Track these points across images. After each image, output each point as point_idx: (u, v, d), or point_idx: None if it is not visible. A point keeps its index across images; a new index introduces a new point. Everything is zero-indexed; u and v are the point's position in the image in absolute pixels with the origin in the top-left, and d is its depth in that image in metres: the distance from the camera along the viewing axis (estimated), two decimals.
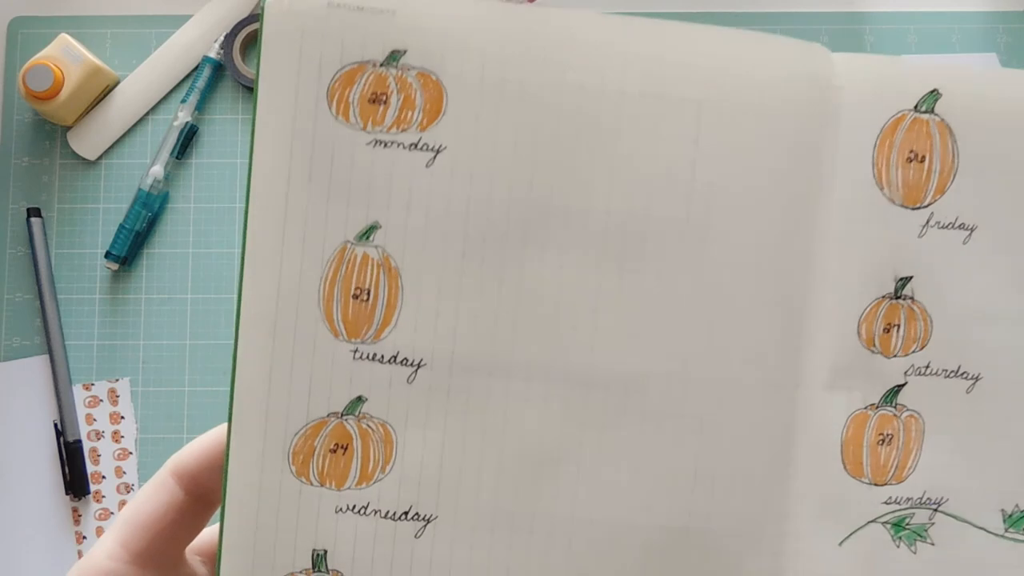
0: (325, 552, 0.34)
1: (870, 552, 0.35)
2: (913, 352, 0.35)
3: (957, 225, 0.35)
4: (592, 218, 0.34)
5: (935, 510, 0.36)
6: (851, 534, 0.35)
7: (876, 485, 0.35)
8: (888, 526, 0.35)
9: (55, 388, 0.69)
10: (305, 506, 0.34)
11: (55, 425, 0.69)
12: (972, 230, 0.35)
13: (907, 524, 0.35)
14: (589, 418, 0.34)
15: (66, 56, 0.68)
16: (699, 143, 0.34)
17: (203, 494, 0.36)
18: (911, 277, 0.35)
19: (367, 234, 0.34)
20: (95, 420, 0.71)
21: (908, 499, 0.36)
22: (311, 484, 0.34)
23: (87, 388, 0.71)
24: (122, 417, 0.71)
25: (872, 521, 0.35)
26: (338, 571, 0.34)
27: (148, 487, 0.37)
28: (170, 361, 0.71)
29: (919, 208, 0.35)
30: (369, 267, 0.34)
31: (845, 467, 0.35)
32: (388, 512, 0.34)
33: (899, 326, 0.35)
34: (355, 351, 0.34)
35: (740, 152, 0.34)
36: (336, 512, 0.34)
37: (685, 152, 0.34)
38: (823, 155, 0.34)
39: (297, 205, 0.33)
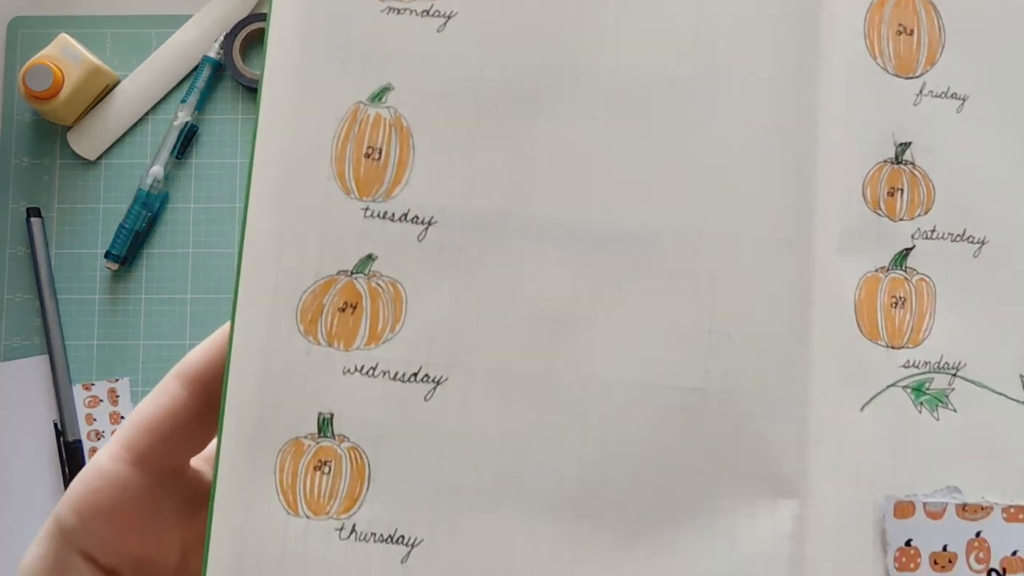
0: (331, 416, 0.33)
1: (893, 417, 0.34)
2: (918, 216, 0.36)
3: (949, 95, 0.36)
4: (602, 78, 0.35)
5: (954, 375, 0.35)
6: (872, 398, 0.34)
7: (893, 348, 0.35)
8: (909, 391, 0.35)
9: (55, 388, 0.68)
10: (312, 367, 0.33)
11: (55, 425, 0.68)
12: (964, 100, 0.36)
13: (927, 389, 0.35)
14: (603, 276, 0.34)
15: (66, 56, 0.69)
16: (702, 5, 0.35)
17: (209, 398, 0.35)
18: (910, 143, 0.36)
19: (379, 96, 0.34)
20: (95, 420, 0.70)
21: (926, 363, 0.35)
22: (319, 344, 0.33)
23: (87, 388, 0.70)
24: (122, 417, 0.70)
25: (892, 385, 0.35)
26: (344, 436, 0.33)
27: (154, 391, 0.35)
28: (170, 361, 0.69)
29: (912, 78, 0.36)
30: (381, 127, 0.34)
31: (861, 330, 0.35)
32: (397, 374, 0.33)
33: (902, 190, 0.36)
34: (366, 209, 0.34)
35: (742, 16, 0.35)
36: (344, 374, 0.33)
37: (689, 12, 0.35)
38: (820, 26, 0.36)
39: (312, 68, 0.34)
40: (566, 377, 0.33)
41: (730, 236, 0.34)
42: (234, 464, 0.32)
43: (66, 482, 0.68)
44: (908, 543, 0.34)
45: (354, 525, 0.32)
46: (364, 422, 0.33)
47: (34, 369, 0.70)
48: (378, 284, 0.33)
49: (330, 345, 0.33)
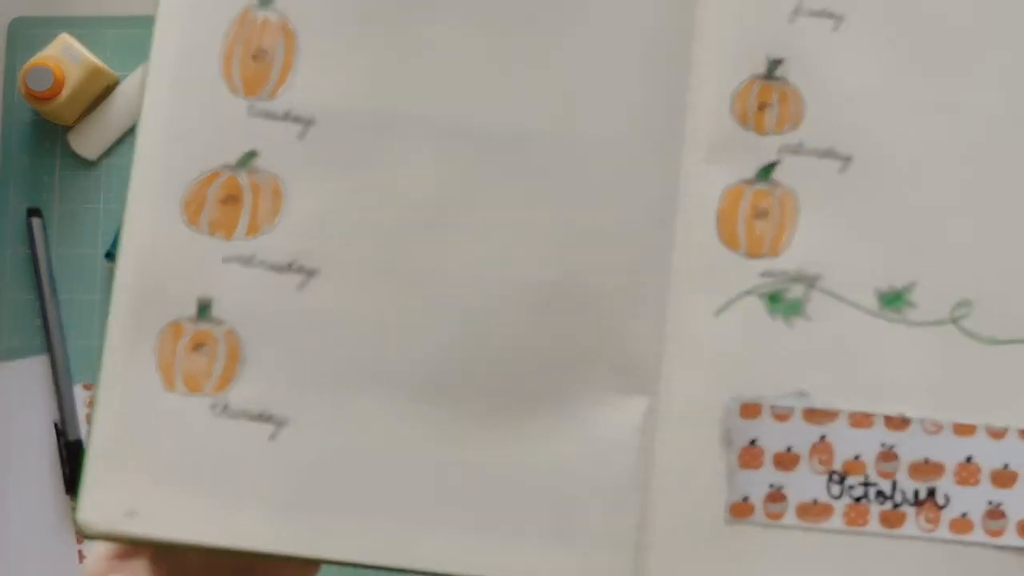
0: (210, 300, 0.35)
1: (746, 322, 0.36)
2: (787, 131, 0.37)
3: (826, 13, 0.37)
4: None
5: (811, 286, 0.36)
6: (727, 304, 0.36)
7: (751, 257, 0.36)
8: (764, 298, 0.36)
9: (55, 388, 0.69)
10: (194, 254, 0.35)
11: (55, 425, 0.68)
12: (841, 18, 0.37)
13: (783, 297, 0.36)
14: (473, 174, 0.36)
15: (66, 56, 0.69)
16: None
17: None
18: (783, 60, 0.37)
19: (267, 0, 0.36)
20: None
21: (784, 272, 0.36)
22: (201, 233, 0.35)
23: (87, 388, 0.70)
24: None
25: (748, 292, 0.36)
26: (222, 320, 0.35)
27: None
28: None
29: None
30: (268, 30, 0.36)
31: (720, 238, 0.36)
32: (272, 263, 0.35)
33: (772, 105, 0.37)
34: (250, 107, 0.35)
35: None
36: (223, 262, 0.35)
37: None
38: None
39: None
40: (433, 270, 0.35)
41: (598, 139, 0.36)
42: (119, 341, 0.35)
43: (66, 482, 0.69)
44: (753, 442, 0.36)
45: (227, 403, 0.35)
46: (241, 308, 0.35)
47: (34, 369, 0.70)
48: (258, 179, 0.35)
49: (212, 235, 0.35)
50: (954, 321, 0.37)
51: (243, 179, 0.35)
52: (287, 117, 0.35)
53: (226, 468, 0.34)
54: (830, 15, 0.37)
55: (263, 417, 0.35)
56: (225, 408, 0.35)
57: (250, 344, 0.35)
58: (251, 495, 0.34)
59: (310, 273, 0.35)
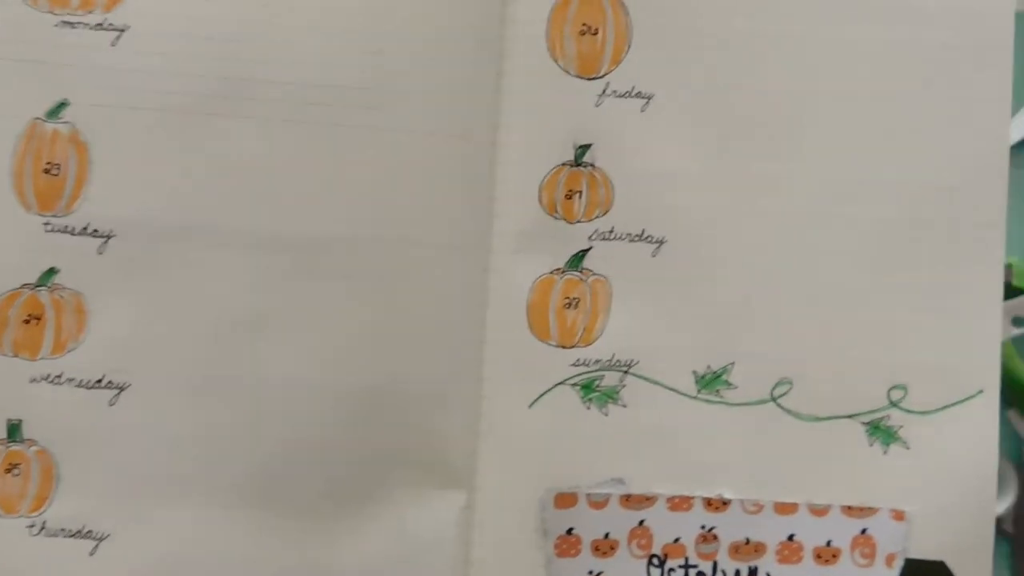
0: (20, 422, 0.35)
1: (560, 413, 0.36)
2: (596, 217, 0.36)
3: (634, 94, 0.36)
4: (277, 88, 0.35)
5: (625, 372, 0.36)
6: (541, 396, 0.36)
7: (563, 348, 0.36)
8: (577, 388, 0.36)
9: None
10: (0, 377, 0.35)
11: None
12: (649, 99, 0.36)
13: (597, 386, 0.36)
14: (280, 281, 0.35)
15: None
16: (367, 13, 0.35)
17: None
18: (591, 145, 0.36)
19: (56, 111, 0.35)
20: None
21: (597, 361, 0.36)
22: (5, 355, 0.35)
23: None
24: None
25: (560, 383, 0.36)
26: (33, 440, 0.35)
27: None
28: None
29: (595, 78, 0.36)
30: (59, 142, 0.35)
31: (532, 330, 0.36)
32: (82, 381, 0.35)
33: (581, 192, 0.36)
34: (47, 224, 0.35)
35: (414, 23, 0.35)
36: (31, 383, 0.35)
37: (356, 23, 0.35)
38: (503, 32, 0.36)
39: None
40: (246, 378, 0.35)
41: (404, 241, 0.35)
42: None
43: None
44: (570, 531, 0.36)
45: (44, 522, 0.35)
46: (52, 427, 0.35)
47: None
48: (61, 296, 0.35)
49: (16, 355, 0.35)
50: (775, 400, 0.37)
51: (44, 297, 0.35)
52: (85, 232, 0.35)
53: None
54: (639, 95, 0.36)
55: (82, 533, 0.35)
56: (43, 527, 0.35)
57: (64, 462, 0.35)
58: None
59: (121, 388, 0.35)
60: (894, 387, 0.36)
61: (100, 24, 0.35)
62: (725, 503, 0.36)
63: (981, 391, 0.36)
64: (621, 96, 0.37)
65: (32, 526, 0.35)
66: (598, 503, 0.36)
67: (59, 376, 0.35)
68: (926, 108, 0.37)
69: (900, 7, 0.37)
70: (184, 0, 0.35)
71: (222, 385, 0.35)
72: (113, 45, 0.35)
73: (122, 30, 0.35)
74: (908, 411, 0.36)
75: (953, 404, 0.36)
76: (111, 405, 0.35)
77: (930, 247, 0.37)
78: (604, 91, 0.37)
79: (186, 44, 0.35)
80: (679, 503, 0.36)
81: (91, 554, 0.35)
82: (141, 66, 0.35)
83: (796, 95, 0.37)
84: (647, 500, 0.36)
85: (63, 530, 0.35)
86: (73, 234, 0.35)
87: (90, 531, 0.35)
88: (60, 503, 0.35)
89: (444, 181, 0.36)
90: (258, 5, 0.35)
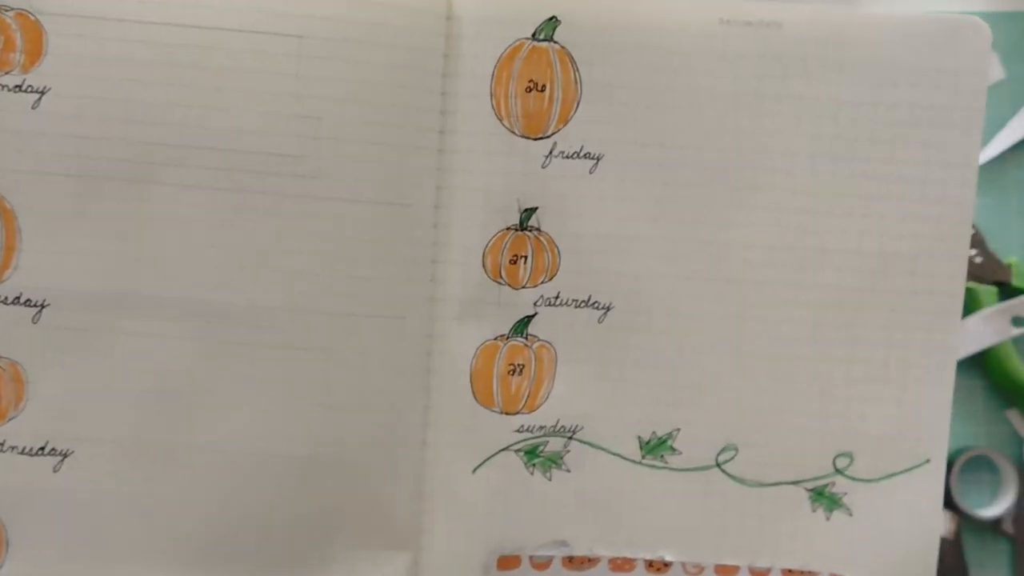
0: None
1: (504, 477, 0.36)
2: (542, 283, 0.36)
3: (583, 154, 0.35)
4: (208, 155, 0.34)
5: (570, 438, 0.36)
6: (484, 462, 0.36)
7: (507, 414, 0.36)
8: (521, 454, 0.36)
9: None
10: None
11: None
12: (598, 159, 0.35)
13: (541, 452, 0.36)
14: (219, 352, 0.35)
15: None
16: (301, 78, 0.33)
17: None
18: (536, 208, 0.35)
19: None
20: None
21: (541, 427, 0.36)
22: None
23: None
24: None
25: (504, 449, 0.36)
26: None
27: None
28: None
29: (542, 138, 0.35)
30: None
31: (476, 397, 0.36)
32: (24, 448, 0.35)
33: (527, 257, 0.35)
34: None
35: (349, 86, 0.34)
36: None
37: (289, 88, 0.33)
38: (445, 88, 0.34)
39: None
40: (187, 445, 0.35)
41: (342, 313, 0.35)
42: None
43: None
44: None
45: None
46: None
47: None
48: None
49: None
50: (719, 466, 0.36)
51: None
52: (18, 301, 0.34)
53: None
54: (587, 155, 0.35)
55: None
56: None
57: (13, 526, 0.35)
58: None
59: (64, 455, 0.35)
60: (840, 455, 0.36)
61: (19, 86, 0.33)
62: (666, 565, 0.37)
63: (928, 460, 0.36)
64: (568, 157, 0.35)
65: None
66: (541, 564, 0.37)
67: (2, 443, 0.35)
68: (885, 170, 0.35)
69: (866, 63, 0.34)
70: (107, 61, 0.33)
71: (163, 452, 0.35)
72: (34, 108, 0.33)
73: (42, 92, 0.33)
74: (853, 478, 0.36)
75: (899, 473, 0.36)
76: (55, 471, 0.35)
77: (884, 316, 0.35)
78: (551, 152, 0.35)
79: (111, 107, 0.33)
80: (621, 564, 0.37)
81: None
82: (64, 130, 0.34)
83: (750, 155, 0.35)
84: (589, 562, 0.37)
85: None
86: (6, 303, 0.34)
87: None
88: (10, 567, 0.35)
89: (384, 249, 0.35)
90: (187, 66, 0.33)
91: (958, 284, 0.35)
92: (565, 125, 0.35)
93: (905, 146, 0.35)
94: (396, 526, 0.36)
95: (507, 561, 0.36)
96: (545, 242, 0.35)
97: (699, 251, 0.35)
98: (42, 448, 0.35)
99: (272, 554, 0.36)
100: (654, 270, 0.35)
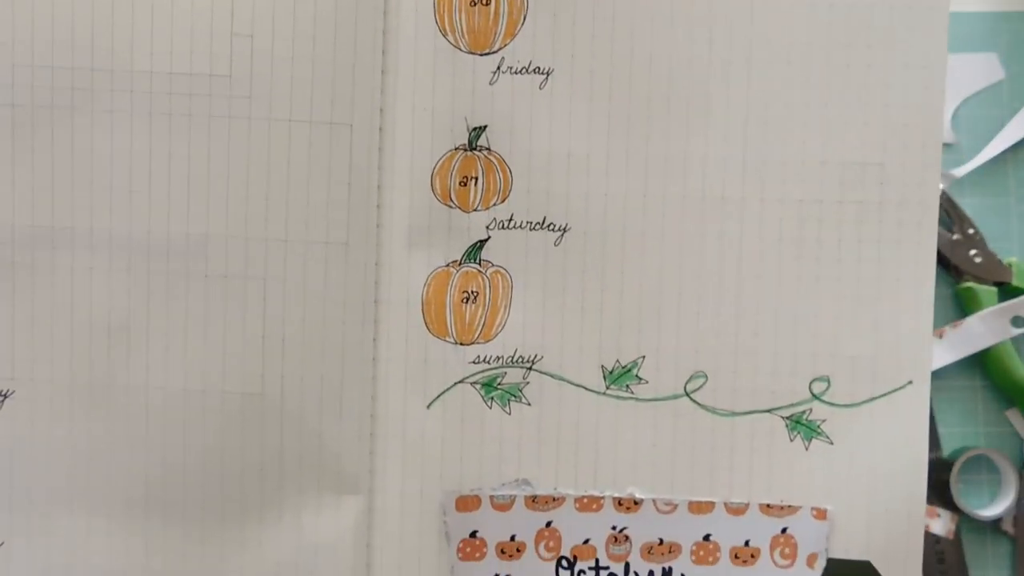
0: None
1: (461, 413, 0.34)
2: (494, 205, 0.34)
3: (532, 69, 0.34)
4: (138, 79, 0.33)
5: (529, 368, 0.34)
6: (438, 396, 0.34)
7: (462, 344, 0.34)
8: (478, 387, 0.34)
9: None
10: None
11: None
12: (548, 74, 0.34)
13: (499, 384, 0.34)
14: (154, 285, 0.34)
15: None
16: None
17: None
18: (485, 127, 0.34)
19: None
20: None
21: (498, 358, 0.34)
22: None
23: None
24: None
25: (460, 382, 0.34)
26: None
27: None
28: None
29: (488, 54, 0.34)
30: None
31: (428, 327, 0.34)
32: None
33: (477, 178, 0.34)
34: None
35: (286, 6, 0.33)
36: None
37: (220, 4, 0.33)
38: (387, 6, 0.33)
39: None
40: (126, 386, 0.34)
41: (281, 241, 0.33)
42: None
43: None
44: (473, 534, 0.34)
45: None
46: None
47: None
48: None
49: None
50: (688, 394, 0.34)
51: None
52: None
53: None
54: (537, 70, 0.34)
55: None
56: None
57: None
58: None
59: (5, 395, 0.34)
60: (816, 379, 0.34)
61: None
62: (637, 503, 0.34)
63: (910, 382, 0.34)
64: (517, 72, 0.34)
65: None
66: (503, 505, 0.35)
67: None
68: (851, 76, 0.33)
69: None
70: None
71: (103, 392, 0.34)
72: None
73: None
74: (831, 404, 0.34)
75: (880, 396, 0.34)
76: None
77: (855, 230, 0.34)
78: (499, 67, 0.34)
79: (39, 34, 0.33)
80: (588, 503, 0.35)
81: None
82: None
83: (705, 65, 0.33)
84: (554, 501, 0.35)
85: None
86: None
87: None
88: None
89: (324, 172, 0.33)
90: None
91: (932, 193, 0.33)
92: (512, 39, 0.34)
93: (864, 49, 0.33)
94: (346, 468, 0.34)
95: (466, 502, 0.34)
96: (496, 162, 0.34)
97: (655, 167, 0.34)
98: None
99: (217, 499, 0.34)
100: (610, 188, 0.34)
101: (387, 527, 0.34)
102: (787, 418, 0.34)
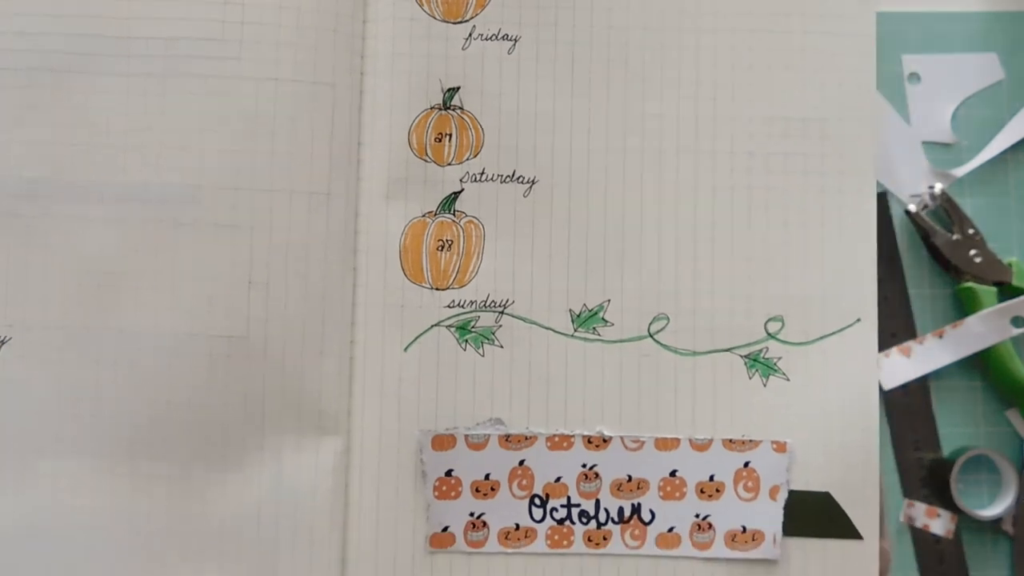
0: None
1: (437, 355, 0.36)
2: (467, 160, 0.37)
3: (500, 36, 0.37)
4: (136, 44, 0.36)
5: (501, 312, 0.36)
6: (415, 339, 0.36)
7: (438, 290, 0.36)
8: (453, 329, 0.36)
9: None
10: None
11: None
12: (516, 40, 0.37)
13: (472, 327, 0.36)
14: (145, 233, 0.36)
15: None
16: None
17: None
18: (458, 88, 0.37)
19: None
20: None
21: (472, 302, 0.36)
22: None
23: None
24: None
25: (435, 325, 0.36)
26: None
27: None
28: None
29: (461, 22, 0.37)
30: None
31: (406, 273, 0.36)
32: None
33: (451, 135, 0.37)
34: None
35: None
36: None
37: None
38: None
39: None
40: (118, 330, 0.35)
41: (266, 191, 0.36)
42: None
43: None
44: (449, 473, 0.36)
45: None
46: None
47: None
48: None
49: None
50: (652, 336, 0.36)
51: None
52: None
53: None
54: (505, 37, 0.37)
55: None
56: None
57: None
58: None
59: (2, 341, 0.36)
60: (771, 319, 0.36)
61: None
62: (605, 440, 0.36)
63: (859, 319, 0.36)
64: (487, 39, 0.37)
65: None
66: (477, 444, 0.36)
67: None
68: (792, 41, 0.37)
69: None
70: None
71: (94, 338, 0.36)
72: None
73: None
74: (785, 343, 0.36)
75: (830, 334, 0.36)
76: None
77: (801, 180, 0.36)
78: (470, 35, 0.37)
79: (47, 5, 0.36)
80: (559, 442, 0.36)
81: None
82: (7, 27, 0.36)
83: (660, 33, 0.37)
84: (527, 440, 0.36)
85: None
86: None
87: None
88: None
89: (308, 127, 0.36)
90: None
91: (867, 144, 0.36)
92: (483, 9, 0.37)
93: (802, 18, 0.37)
94: (326, 409, 0.36)
95: (442, 441, 0.36)
96: (468, 120, 0.37)
97: (615, 124, 0.37)
98: None
99: (199, 443, 0.35)
100: (574, 144, 0.37)
101: (365, 467, 0.36)
102: (745, 356, 0.36)
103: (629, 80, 0.37)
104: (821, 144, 0.36)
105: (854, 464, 0.35)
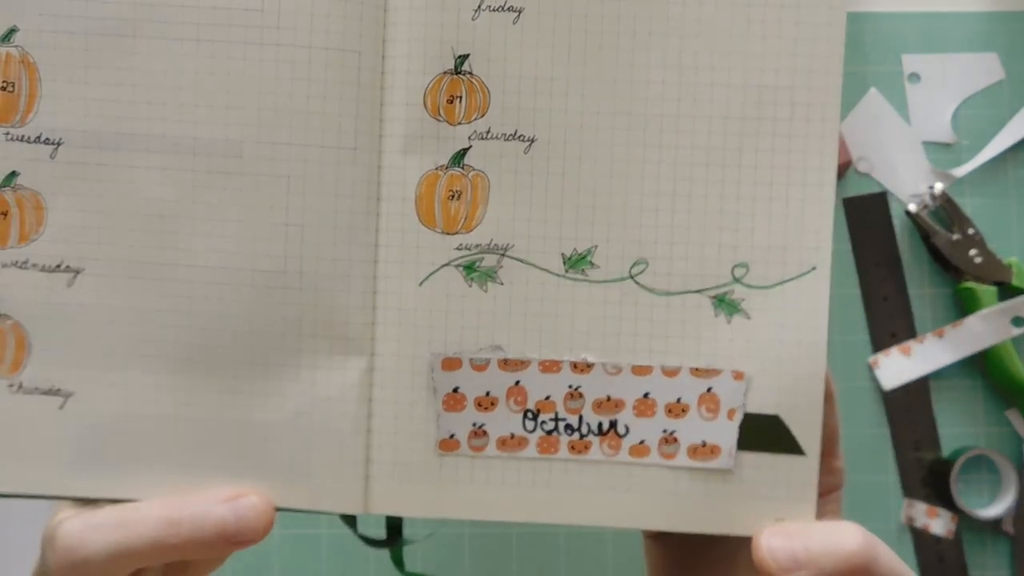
0: None
1: (446, 290, 0.42)
2: (475, 119, 0.42)
3: (507, 8, 0.41)
4: (188, 12, 0.41)
5: (503, 255, 0.42)
6: (428, 276, 0.42)
7: (448, 234, 0.42)
8: (460, 268, 0.42)
9: None
10: None
11: None
12: (520, 12, 0.41)
13: (477, 267, 0.42)
14: (200, 182, 0.41)
15: None
16: None
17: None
18: (468, 55, 0.41)
19: (8, 36, 0.41)
20: None
21: (477, 245, 0.42)
22: None
23: None
24: None
25: (446, 264, 0.42)
26: (8, 315, 0.42)
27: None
28: None
29: None
30: (12, 64, 0.41)
31: (420, 219, 0.42)
32: (44, 266, 0.42)
33: (461, 97, 0.41)
34: (7, 134, 0.41)
35: None
36: (3, 267, 0.42)
37: None
38: None
39: None
40: (175, 264, 0.42)
41: (301, 146, 0.41)
42: None
43: None
44: (456, 390, 0.42)
45: (21, 382, 0.42)
46: (22, 305, 0.42)
47: None
48: (22, 194, 0.42)
49: None
50: (632, 277, 0.42)
51: (9, 196, 0.42)
52: (38, 140, 0.41)
53: (25, 433, 0.42)
54: (511, 8, 0.41)
55: (52, 392, 0.42)
56: (20, 386, 0.42)
57: (34, 334, 0.42)
58: (46, 453, 0.42)
59: (76, 272, 0.42)
60: (737, 265, 0.41)
61: None
62: (589, 366, 0.42)
63: (814, 268, 0.41)
64: (495, 10, 0.41)
65: (11, 385, 0.42)
66: (479, 366, 0.42)
67: (25, 262, 0.42)
68: (767, 14, 0.41)
69: None
70: None
71: (155, 269, 0.42)
72: None
73: None
74: (749, 286, 0.42)
75: (789, 280, 0.41)
76: (69, 287, 0.42)
77: (770, 142, 0.41)
78: (479, 6, 0.41)
79: None
80: (549, 366, 0.42)
81: (60, 408, 0.42)
82: None
83: (648, 7, 0.41)
84: (522, 364, 0.42)
85: (36, 388, 0.42)
86: (28, 142, 0.41)
87: (59, 390, 0.42)
88: (32, 367, 0.42)
89: (338, 90, 0.41)
90: None
91: (832, 110, 0.41)
92: None
93: None
94: (351, 334, 0.42)
95: (450, 363, 0.42)
96: (477, 84, 0.41)
97: (607, 90, 0.41)
98: (58, 266, 0.42)
99: (244, 361, 0.42)
100: (570, 107, 0.41)
101: (386, 383, 0.42)
102: (713, 297, 0.42)
103: (619, 50, 0.41)
104: (791, 110, 0.41)
105: (801, 392, 0.41)
